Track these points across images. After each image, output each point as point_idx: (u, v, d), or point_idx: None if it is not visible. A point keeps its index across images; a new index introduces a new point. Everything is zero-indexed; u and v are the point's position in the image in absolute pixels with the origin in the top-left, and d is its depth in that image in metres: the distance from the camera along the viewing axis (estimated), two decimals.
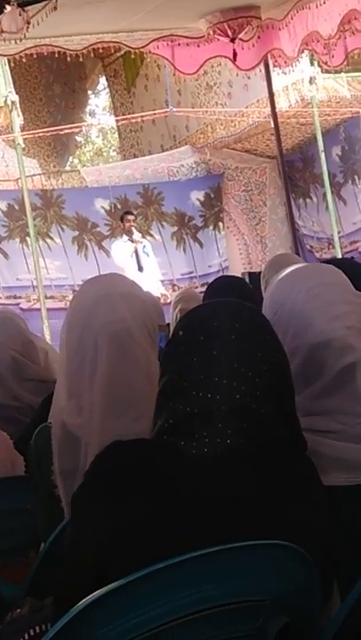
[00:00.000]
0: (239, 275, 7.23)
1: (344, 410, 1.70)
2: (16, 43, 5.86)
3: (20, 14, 4.85)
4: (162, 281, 10.17)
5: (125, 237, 9.80)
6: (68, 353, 2.00)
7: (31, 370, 3.14)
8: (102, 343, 1.93)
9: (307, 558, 1.34)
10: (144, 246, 9.82)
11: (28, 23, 5.08)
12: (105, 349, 1.93)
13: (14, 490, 2.59)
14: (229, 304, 1.55)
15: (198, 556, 1.29)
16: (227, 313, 1.50)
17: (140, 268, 9.59)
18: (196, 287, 10.33)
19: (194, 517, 1.36)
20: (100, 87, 14.89)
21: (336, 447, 1.67)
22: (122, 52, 10.89)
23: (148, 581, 1.28)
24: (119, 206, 11.14)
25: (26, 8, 4.74)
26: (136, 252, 9.65)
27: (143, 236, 10.14)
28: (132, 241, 9.65)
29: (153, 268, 9.88)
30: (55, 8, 5.06)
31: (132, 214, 10.01)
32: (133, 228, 9.72)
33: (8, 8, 4.34)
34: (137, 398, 1.91)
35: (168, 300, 8.57)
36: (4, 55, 6.63)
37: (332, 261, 2.78)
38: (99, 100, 18.51)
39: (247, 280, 5.27)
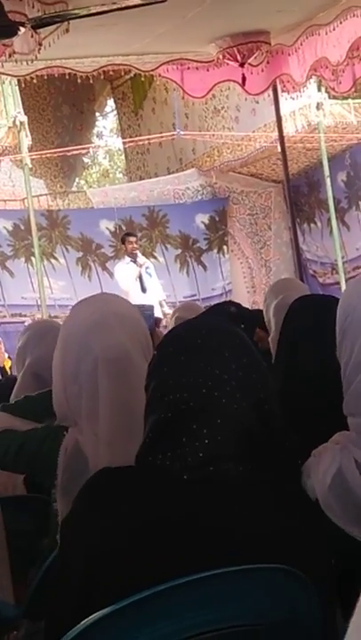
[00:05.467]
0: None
1: None
2: (27, 64, 5.89)
3: (32, 36, 4.88)
4: (165, 301, 10.17)
5: (128, 259, 9.77)
6: (64, 376, 1.99)
7: None
8: (102, 371, 1.92)
9: (304, 581, 1.33)
10: (147, 267, 9.82)
11: (40, 45, 5.11)
12: (105, 378, 1.91)
13: (14, 510, 2.57)
14: (200, 319, 1.59)
15: (193, 581, 1.29)
16: (196, 325, 1.57)
17: (144, 290, 9.60)
18: None
19: (179, 542, 1.36)
20: (107, 109, 14.97)
21: None
22: (130, 75, 10.97)
23: (142, 606, 1.27)
24: (124, 228, 11.17)
25: (38, 30, 4.76)
26: (140, 274, 9.65)
27: (147, 258, 10.15)
28: (136, 264, 9.65)
29: (156, 289, 9.89)
30: (67, 30, 5.09)
31: (134, 236, 10.00)
32: (137, 251, 9.71)
33: (22, 30, 4.36)
34: (141, 422, 1.90)
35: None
36: (15, 76, 6.67)
37: None
38: (106, 122, 18.62)
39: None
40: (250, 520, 1.37)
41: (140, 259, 9.70)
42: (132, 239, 9.83)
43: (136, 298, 9.59)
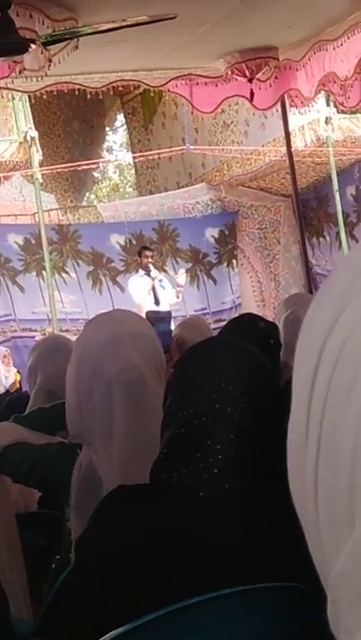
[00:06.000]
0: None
1: None
2: (37, 80, 5.93)
3: (42, 52, 4.92)
4: (175, 317, 10.21)
5: (142, 272, 9.90)
6: (78, 395, 1.99)
7: None
8: (117, 394, 1.92)
9: (319, 600, 1.32)
10: (160, 280, 9.94)
11: (50, 61, 5.15)
12: (120, 401, 1.92)
13: (28, 526, 2.58)
14: (216, 339, 1.64)
15: (208, 600, 1.29)
16: (212, 343, 1.60)
17: (157, 302, 9.68)
18: (210, 323, 10.33)
19: (196, 560, 1.36)
20: (117, 124, 15.04)
21: None
22: (140, 90, 11.00)
23: (157, 625, 1.28)
24: (134, 242, 11.20)
25: (48, 47, 4.80)
26: (153, 287, 9.72)
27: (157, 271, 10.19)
28: (150, 277, 9.71)
29: (169, 301, 9.95)
30: (77, 47, 5.13)
31: (150, 250, 10.13)
32: (150, 265, 9.79)
33: (33, 47, 4.39)
34: (155, 443, 1.91)
35: None
36: (25, 92, 6.71)
37: None
38: (116, 137, 18.70)
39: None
40: (268, 537, 1.38)
41: (154, 272, 9.77)
42: (149, 253, 9.96)
43: (149, 309, 9.68)
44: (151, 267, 9.83)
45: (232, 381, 1.46)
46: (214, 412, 1.43)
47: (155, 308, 9.51)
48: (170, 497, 1.42)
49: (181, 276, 10.08)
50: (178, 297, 10.04)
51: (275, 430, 1.45)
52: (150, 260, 9.87)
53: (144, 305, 9.64)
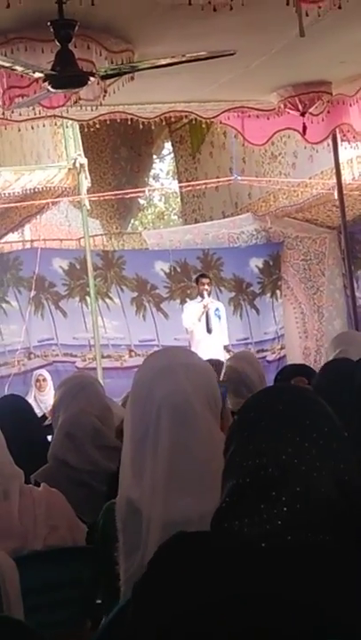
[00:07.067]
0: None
1: None
2: (91, 109, 5.99)
3: (98, 83, 4.97)
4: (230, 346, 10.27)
5: (199, 299, 10.00)
6: (132, 426, 2.00)
7: (108, 436, 3.17)
8: (164, 416, 1.93)
9: None
10: (217, 309, 10.02)
11: (105, 92, 5.20)
12: (166, 422, 1.92)
13: (74, 560, 2.57)
14: (282, 384, 1.59)
15: None
16: (278, 390, 1.60)
17: (209, 330, 9.72)
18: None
19: (257, 616, 1.32)
20: (165, 152, 15.13)
21: None
22: (189, 119, 11.09)
23: None
24: (179, 270, 11.22)
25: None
26: (207, 314, 9.77)
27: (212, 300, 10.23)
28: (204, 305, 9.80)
29: (221, 332, 10.00)
30: (133, 78, 5.18)
31: (207, 277, 10.26)
32: (205, 292, 9.85)
33: (92, 80, 4.44)
34: (201, 473, 1.89)
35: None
36: (80, 121, 6.78)
37: None
38: (163, 165, 18.82)
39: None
40: (335, 592, 1.34)
41: (206, 299, 9.81)
42: (205, 281, 10.10)
43: (199, 337, 9.71)
44: (205, 294, 9.87)
45: (300, 432, 1.44)
46: (281, 463, 1.41)
47: (206, 337, 9.61)
48: (230, 546, 1.40)
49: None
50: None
51: (341, 484, 1.42)
52: (207, 287, 9.98)
53: (195, 331, 9.70)
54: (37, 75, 4.41)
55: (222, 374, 4.87)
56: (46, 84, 4.48)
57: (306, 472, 1.41)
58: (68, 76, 4.40)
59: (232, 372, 4.45)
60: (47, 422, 4.97)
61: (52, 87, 4.52)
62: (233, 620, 1.33)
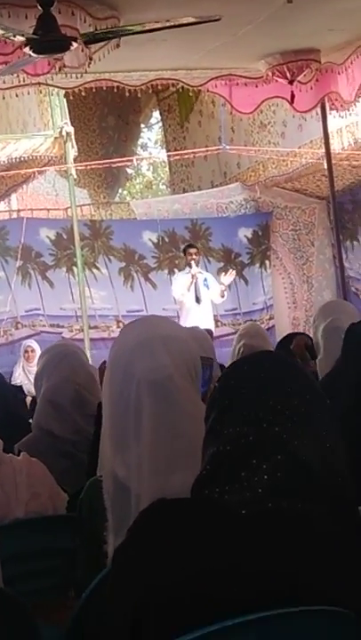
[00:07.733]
0: None
1: None
2: (76, 77, 5.93)
3: (82, 50, 4.90)
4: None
5: (188, 269, 9.95)
6: (111, 401, 1.97)
7: (92, 404, 3.14)
8: (144, 394, 1.90)
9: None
10: (205, 279, 9.97)
11: (91, 59, 5.14)
12: (148, 401, 1.89)
13: (57, 529, 2.57)
14: (263, 352, 1.60)
15: (253, 620, 1.27)
16: (259, 358, 1.56)
17: (198, 300, 9.71)
18: (240, 324, 10.30)
19: (236, 581, 1.33)
20: (153, 121, 15.01)
21: None
22: (177, 88, 10.99)
23: None
24: (167, 240, 11.18)
25: (89, 45, 4.79)
26: (195, 284, 9.76)
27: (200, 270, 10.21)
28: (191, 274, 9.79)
29: (210, 302, 9.98)
30: (118, 45, 5.11)
31: (194, 247, 10.19)
32: (193, 262, 9.82)
33: (74, 45, 4.38)
34: (187, 448, 1.87)
35: (214, 336, 8.60)
36: (65, 88, 6.72)
37: None
38: (151, 134, 18.69)
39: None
40: (310, 559, 1.34)
41: (194, 269, 9.79)
42: (192, 251, 10.02)
43: (189, 307, 9.71)
44: (193, 264, 9.83)
45: (281, 400, 1.43)
46: (261, 431, 1.40)
47: (195, 307, 9.59)
48: (210, 513, 1.39)
49: (228, 277, 10.08)
50: (223, 296, 10.06)
51: (322, 452, 1.42)
52: (195, 257, 9.91)
53: (185, 301, 9.69)
54: (19, 38, 4.34)
55: (238, 353, 4.81)
56: (28, 48, 4.41)
57: (287, 440, 1.40)
58: (49, 40, 4.33)
59: (250, 352, 4.39)
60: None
61: (34, 52, 4.45)
62: (210, 589, 1.33)
